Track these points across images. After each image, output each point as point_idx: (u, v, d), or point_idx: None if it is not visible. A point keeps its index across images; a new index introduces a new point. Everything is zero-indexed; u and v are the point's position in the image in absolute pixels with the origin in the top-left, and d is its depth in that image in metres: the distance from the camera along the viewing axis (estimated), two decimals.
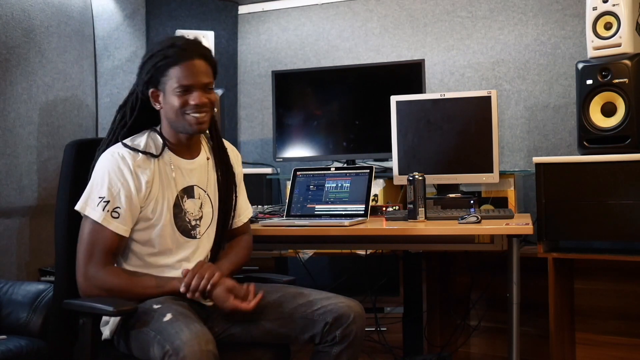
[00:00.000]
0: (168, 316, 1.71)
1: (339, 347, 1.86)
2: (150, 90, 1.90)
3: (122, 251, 1.90)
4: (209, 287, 1.81)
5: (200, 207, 1.98)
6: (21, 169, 2.89)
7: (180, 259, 1.93)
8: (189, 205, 1.95)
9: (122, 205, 1.82)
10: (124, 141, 1.90)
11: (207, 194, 2.01)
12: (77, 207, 1.83)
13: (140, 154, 1.88)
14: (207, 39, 3.26)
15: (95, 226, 1.81)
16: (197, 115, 1.87)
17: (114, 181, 1.82)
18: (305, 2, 3.64)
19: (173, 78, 1.84)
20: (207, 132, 2.04)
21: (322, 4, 3.62)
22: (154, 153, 1.91)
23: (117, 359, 1.85)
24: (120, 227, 1.82)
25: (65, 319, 1.92)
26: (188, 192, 1.96)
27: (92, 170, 1.88)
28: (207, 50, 1.91)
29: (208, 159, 2.04)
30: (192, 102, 1.85)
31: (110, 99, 3.45)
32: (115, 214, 1.81)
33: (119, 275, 1.82)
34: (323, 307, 1.88)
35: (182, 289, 1.80)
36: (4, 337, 2.19)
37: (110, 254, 1.83)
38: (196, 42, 1.91)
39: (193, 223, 1.96)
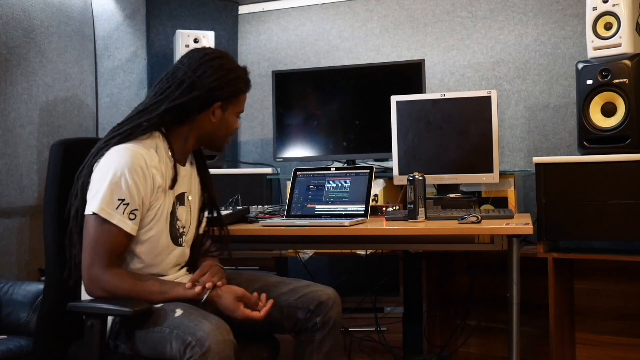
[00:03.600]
0: (178, 312, 1.71)
1: (320, 334, 1.95)
2: (218, 103, 1.90)
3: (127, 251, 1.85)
4: (219, 282, 1.83)
5: (188, 215, 1.97)
6: (21, 169, 2.89)
7: (164, 266, 1.90)
8: (180, 212, 1.93)
9: (139, 207, 1.79)
10: (138, 142, 1.83)
11: (191, 202, 1.99)
12: (95, 210, 1.73)
13: (156, 155, 1.84)
14: (207, 39, 3.26)
15: (109, 227, 1.75)
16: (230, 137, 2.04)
17: (133, 181, 1.76)
18: (305, 2, 3.64)
19: (241, 102, 1.99)
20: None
21: (322, 4, 3.62)
22: (168, 157, 1.88)
23: None
24: (134, 228, 1.79)
25: (56, 320, 1.89)
26: (180, 199, 1.94)
27: (103, 159, 1.79)
28: None
29: (192, 163, 2.03)
30: (236, 127, 2.01)
31: (110, 99, 3.45)
32: (132, 216, 1.77)
33: (123, 278, 1.77)
34: (304, 295, 1.98)
35: (188, 284, 1.81)
36: (4, 337, 2.19)
37: (116, 255, 1.78)
38: None
39: (181, 230, 1.94)
